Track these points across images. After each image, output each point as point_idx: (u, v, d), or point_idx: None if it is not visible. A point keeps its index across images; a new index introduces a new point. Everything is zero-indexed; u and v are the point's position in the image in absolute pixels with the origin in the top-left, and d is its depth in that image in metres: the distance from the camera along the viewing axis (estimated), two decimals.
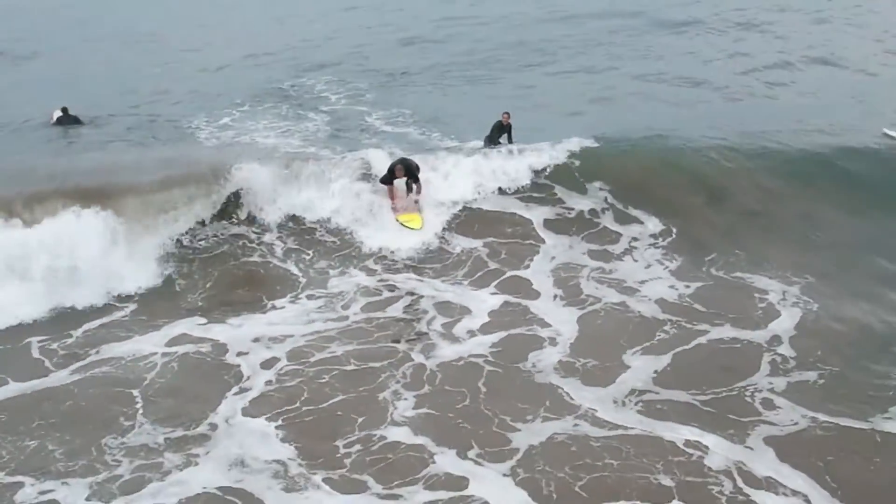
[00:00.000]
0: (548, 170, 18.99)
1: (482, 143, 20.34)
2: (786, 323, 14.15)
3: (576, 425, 11.83)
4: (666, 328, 14.17)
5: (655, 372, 12.91)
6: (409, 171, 16.95)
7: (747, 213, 18.03)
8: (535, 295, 15.45)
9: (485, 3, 43.70)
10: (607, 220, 17.79)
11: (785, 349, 13.46)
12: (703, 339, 13.88)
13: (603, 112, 24.02)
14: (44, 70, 34.59)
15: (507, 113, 20.53)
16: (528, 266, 16.46)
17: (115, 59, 36.07)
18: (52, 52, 38.55)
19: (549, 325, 14.24)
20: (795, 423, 11.70)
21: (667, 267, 16.43)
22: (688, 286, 15.71)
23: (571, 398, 12.44)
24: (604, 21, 37.77)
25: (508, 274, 16.16)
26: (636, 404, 12.24)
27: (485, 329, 14.28)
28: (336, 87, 28.95)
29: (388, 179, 17.05)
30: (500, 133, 20.42)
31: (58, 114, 25.13)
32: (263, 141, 22.53)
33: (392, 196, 17.15)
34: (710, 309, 14.87)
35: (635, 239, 17.33)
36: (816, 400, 12.12)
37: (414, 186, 17.10)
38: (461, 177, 18.15)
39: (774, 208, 18.05)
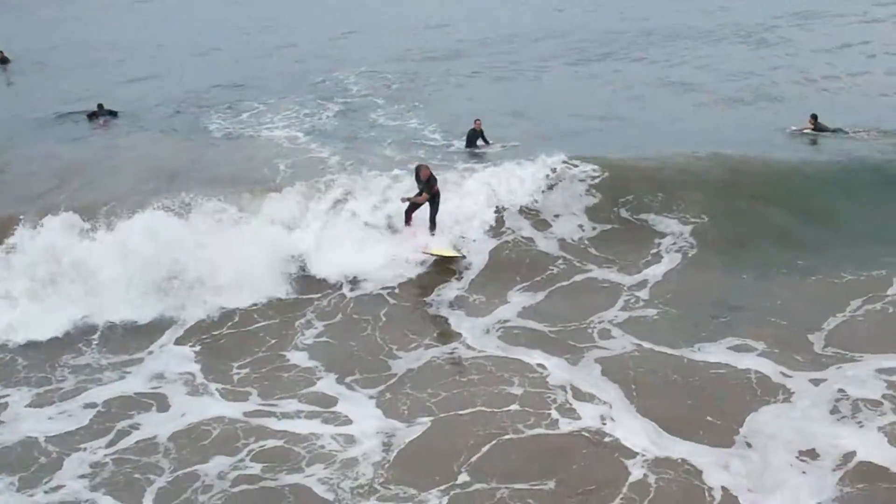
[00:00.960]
0: None
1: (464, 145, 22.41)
2: (661, 268, 15.52)
3: (451, 352, 13.62)
4: (556, 265, 15.71)
5: (524, 307, 14.51)
6: (432, 176, 16.14)
7: (678, 170, 18.98)
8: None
9: None
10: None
11: (643, 291, 14.88)
12: (579, 278, 15.38)
13: None
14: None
15: (479, 120, 22.45)
16: None
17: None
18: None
19: (465, 257, 16.06)
20: (623, 349, 13.23)
21: (584, 204, 17.74)
22: (595, 227, 17.12)
23: (454, 328, 14.19)
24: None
25: None
26: (500, 333, 13.93)
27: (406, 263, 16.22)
28: None
29: (418, 184, 16.44)
30: (475, 138, 22.23)
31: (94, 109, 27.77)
32: None
33: (409, 218, 16.71)
34: (603, 252, 16.35)
35: (564, 178, 18.53)
36: (646, 332, 13.71)
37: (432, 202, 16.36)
38: None
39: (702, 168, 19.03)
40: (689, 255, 16.07)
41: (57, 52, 41.86)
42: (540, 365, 13.13)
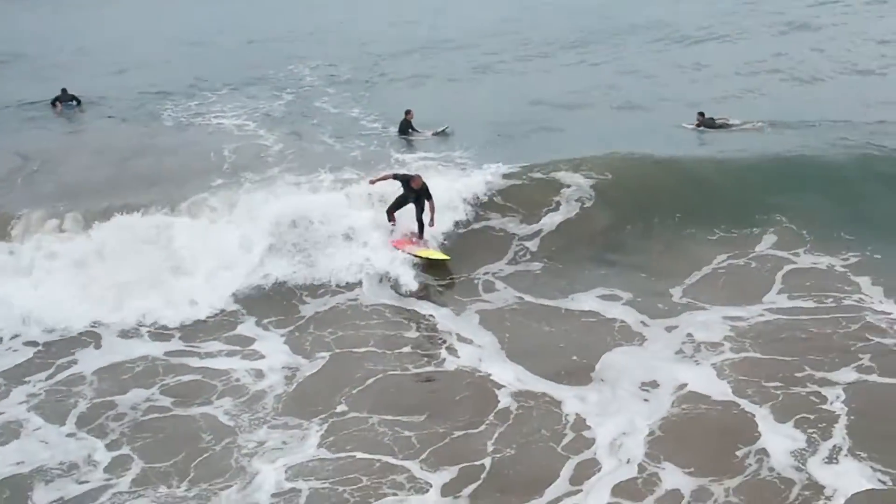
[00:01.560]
0: None
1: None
2: (557, 219, 17.16)
3: (354, 298, 15.19)
4: (462, 216, 17.44)
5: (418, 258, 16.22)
6: (424, 186, 16.22)
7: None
8: None
9: None
10: None
11: (533, 243, 16.51)
12: (478, 227, 17.15)
13: None
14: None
15: (410, 111, 24.32)
16: None
17: None
18: None
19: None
20: (504, 302, 14.88)
21: (498, 160, 19.29)
22: (506, 178, 18.55)
23: (355, 279, 15.95)
24: None
25: None
26: (397, 283, 15.62)
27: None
28: None
29: (400, 180, 16.54)
30: (407, 127, 24.16)
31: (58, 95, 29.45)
32: None
33: (392, 217, 16.79)
34: (508, 202, 17.85)
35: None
36: (528, 285, 15.29)
37: (427, 205, 16.32)
38: None
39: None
40: (586, 205, 17.57)
41: (26, 47, 43.20)
42: (430, 314, 14.68)
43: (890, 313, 13.78)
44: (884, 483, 9.94)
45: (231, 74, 33.22)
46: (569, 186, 17.93)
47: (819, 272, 15.32)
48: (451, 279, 15.81)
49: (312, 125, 25.62)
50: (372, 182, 16.79)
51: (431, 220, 16.09)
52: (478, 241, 16.88)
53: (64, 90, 29.22)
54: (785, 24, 36.28)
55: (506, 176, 18.43)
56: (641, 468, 10.57)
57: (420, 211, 16.15)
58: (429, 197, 16.00)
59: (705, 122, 22.50)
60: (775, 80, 27.66)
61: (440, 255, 15.87)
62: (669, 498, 10.00)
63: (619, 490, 10.22)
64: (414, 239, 16.29)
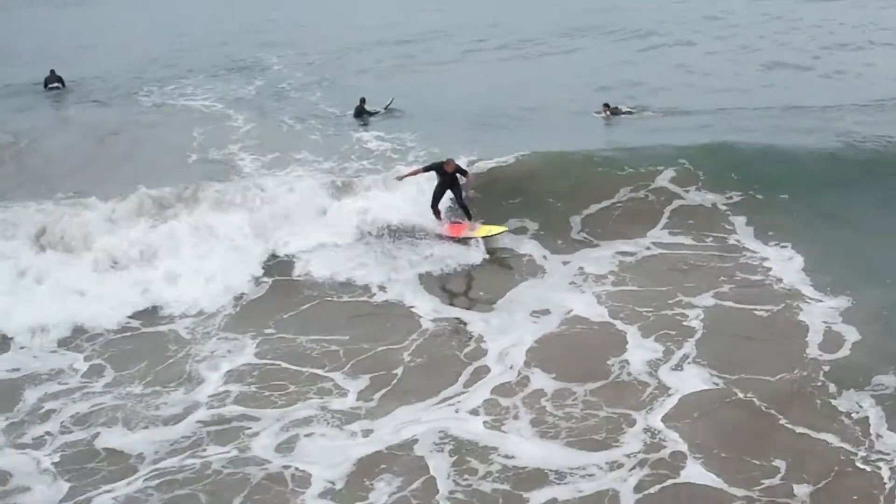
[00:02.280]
0: None
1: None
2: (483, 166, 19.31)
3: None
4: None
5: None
6: (458, 167, 16.41)
7: None
8: None
9: None
10: None
11: None
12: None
13: None
14: None
15: (363, 98, 26.70)
16: None
17: None
18: None
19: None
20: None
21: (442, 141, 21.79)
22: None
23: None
24: None
25: None
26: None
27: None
28: None
29: (430, 169, 16.76)
30: (361, 112, 26.57)
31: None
32: None
33: (437, 212, 16.96)
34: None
35: None
36: None
37: (465, 181, 16.55)
38: None
39: None
40: (510, 162, 19.62)
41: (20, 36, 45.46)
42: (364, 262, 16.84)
43: (757, 252, 15.94)
44: (716, 385, 12.00)
45: (203, 62, 35.35)
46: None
47: (703, 210, 17.59)
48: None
49: (277, 108, 27.72)
50: (399, 178, 17.11)
51: (474, 191, 16.37)
52: None
53: (52, 71, 31.30)
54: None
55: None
56: (519, 373, 12.63)
57: (460, 195, 16.35)
58: (464, 173, 16.23)
59: (613, 111, 25.06)
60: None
61: (499, 229, 16.26)
62: (534, 395, 12.06)
63: (497, 389, 12.25)
64: (465, 223, 16.56)
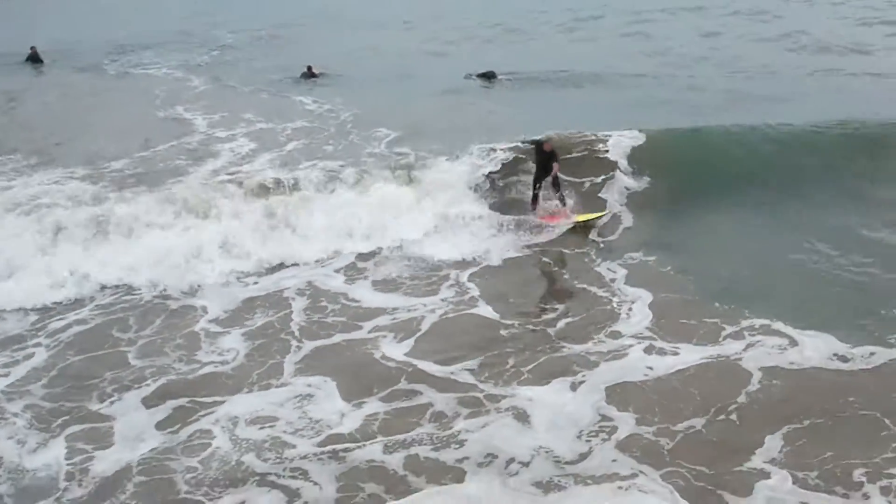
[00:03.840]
0: None
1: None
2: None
3: None
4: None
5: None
6: (553, 150, 15.96)
7: None
8: None
9: None
10: None
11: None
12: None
13: None
14: None
15: (310, 65, 30.92)
16: None
17: None
18: None
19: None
20: None
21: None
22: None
23: None
24: None
25: None
26: None
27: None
28: None
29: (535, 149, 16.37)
30: (309, 76, 30.60)
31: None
32: None
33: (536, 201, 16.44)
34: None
35: None
36: None
37: (554, 166, 15.95)
38: None
39: None
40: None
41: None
42: None
43: None
44: (517, 254, 16.18)
45: (164, 36, 39.38)
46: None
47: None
48: None
49: (229, 72, 31.87)
50: (539, 195, 16.49)
51: (557, 173, 16.02)
52: None
53: (33, 48, 35.22)
54: None
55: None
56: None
57: (556, 180, 15.95)
58: (556, 159, 15.80)
59: (486, 75, 29.36)
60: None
61: (596, 215, 15.97)
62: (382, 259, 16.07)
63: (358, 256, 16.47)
64: (560, 211, 16.17)
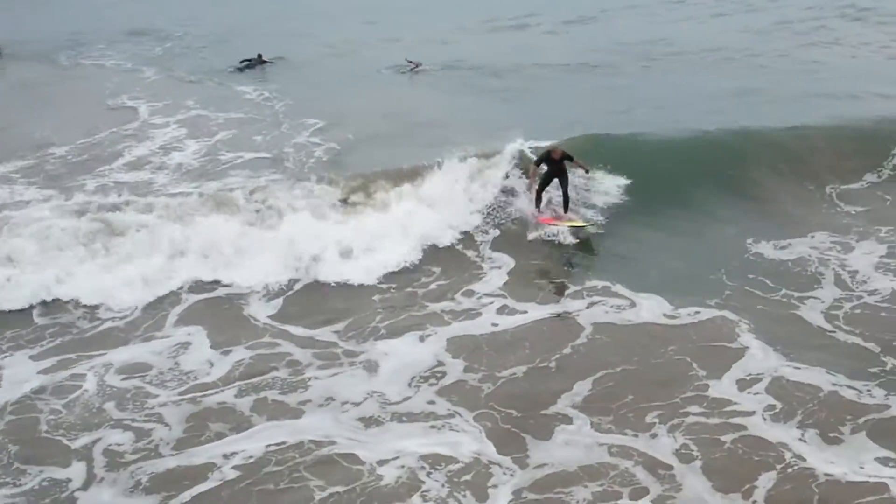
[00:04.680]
0: None
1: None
2: None
3: None
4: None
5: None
6: (564, 153, 15.60)
7: None
8: None
9: None
10: None
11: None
12: None
13: None
14: None
15: (260, 54, 31.85)
16: None
17: None
18: None
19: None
20: None
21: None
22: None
23: None
24: None
25: None
26: None
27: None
28: None
29: (541, 161, 15.82)
30: (257, 63, 31.61)
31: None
32: None
33: (539, 200, 16.10)
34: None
35: None
36: None
37: (573, 165, 15.87)
38: None
39: None
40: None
41: None
42: None
43: None
44: None
45: (114, 30, 40.24)
46: None
47: None
48: None
49: (176, 63, 32.77)
50: (530, 186, 16.31)
51: (586, 169, 16.10)
52: None
53: None
54: None
55: None
56: None
57: (565, 184, 15.73)
58: (571, 159, 15.62)
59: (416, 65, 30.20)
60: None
61: (582, 223, 15.69)
62: None
63: None
64: (560, 212, 15.96)
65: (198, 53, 34.99)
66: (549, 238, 15.56)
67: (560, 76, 27.80)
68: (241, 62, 31.44)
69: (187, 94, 28.07)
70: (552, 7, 40.78)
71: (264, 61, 31.44)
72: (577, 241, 15.39)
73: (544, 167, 15.67)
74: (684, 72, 27.16)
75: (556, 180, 15.74)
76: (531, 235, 15.65)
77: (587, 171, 16.15)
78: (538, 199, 15.98)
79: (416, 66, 29.88)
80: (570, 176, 15.74)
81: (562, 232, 15.51)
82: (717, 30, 33.95)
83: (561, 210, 15.93)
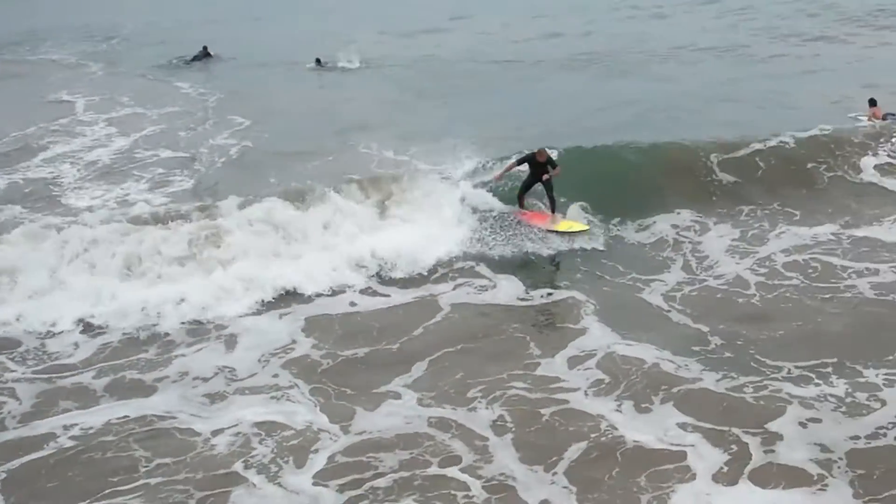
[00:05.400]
0: None
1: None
2: None
3: None
4: None
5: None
6: (549, 158, 15.16)
7: None
8: None
9: None
10: None
11: None
12: None
13: None
14: None
15: (206, 46, 32.56)
16: None
17: None
18: None
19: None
20: None
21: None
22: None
23: None
24: None
25: None
26: None
27: None
28: None
29: (524, 161, 15.40)
30: (203, 56, 32.11)
31: None
32: None
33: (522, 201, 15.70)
34: None
35: None
36: None
37: (554, 172, 15.16)
38: None
39: None
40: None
41: None
42: None
43: None
44: None
45: (63, 26, 40.62)
46: None
47: None
48: None
49: (124, 56, 33.38)
50: (497, 177, 15.85)
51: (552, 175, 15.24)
52: None
53: None
54: None
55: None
56: None
57: (550, 188, 15.27)
58: (554, 166, 15.12)
59: (320, 63, 31.08)
60: None
61: (580, 227, 14.97)
62: None
63: None
64: (547, 214, 15.44)
65: (144, 48, 35.62)
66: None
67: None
68: (191, 57, 32.18)
69: (126, 89, 28.73)
70: None
71: (209, 54, 31.82)
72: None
73: (526, 169, 15.47)
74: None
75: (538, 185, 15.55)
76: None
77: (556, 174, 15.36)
78: (521, 201, 15.72)
79: (325, 64, 30.49)
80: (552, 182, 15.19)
81: (550, 236, 14.87)
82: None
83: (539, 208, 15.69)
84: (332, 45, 32.49)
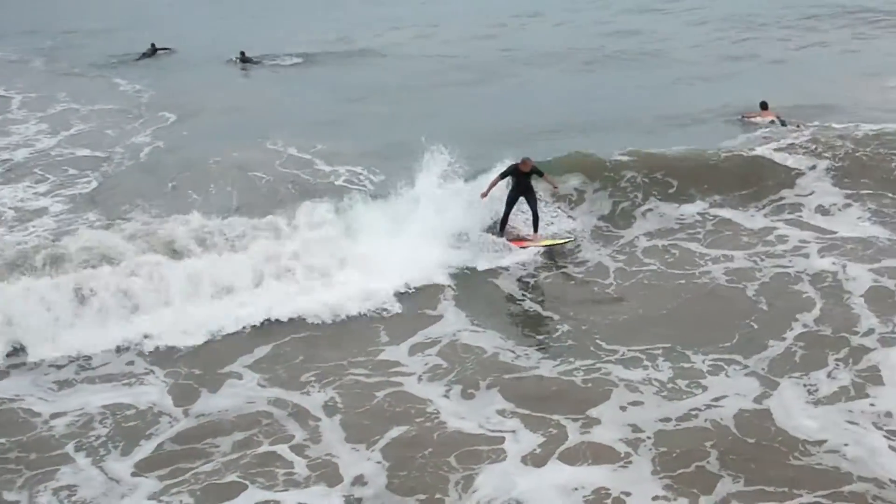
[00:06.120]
0: None
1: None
2: None
3: None
4: None
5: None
6: (534, 167, 14.17)
7: None
8: None
9: None
10: None
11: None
12: None
13: None
14: None
15: (153, 43, 33.00)
16: None
17: None
18: None
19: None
20: None
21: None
22: None
23: None
24: None
25: None
26: None
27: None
28: None
29: (507, 174, 14.26)
30: (153, 52, 32.79)
31: None
32: None
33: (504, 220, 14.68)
34: None
35: None
36: None
37: (544, 180, 14.56)
38: None
39: None
40: None
41: None
42: None
43: None
44: None
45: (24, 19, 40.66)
46: None
47: None
48: None
49: (75, 55, 33.82)
50: (484, 195, 14.31)
51: (555, 185, 14.90)
52: None
53: None
54: None
55: None
56: None
57: (533, 202, 14.33)
58: (541, 174, 14.26)
59: (244, 59, 31.29)
60: None
61: (562, 241, 14.50)
62: None
63: None
64: (529, 236, 14.60)
65: (91, 46, 35.46)
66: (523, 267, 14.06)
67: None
68: (139, 55, 32.62)
69: (64, 86, 28.94)
70: None
71: (157, 50, 32.08)
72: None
73: (508, 185, 14.37)
74: None
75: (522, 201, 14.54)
76: (506, 261, 14.05)
77: (556, 188, 14.96)
78: (504, 221, 14.52)
79: (251, 61, 30.84)
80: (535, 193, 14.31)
81: (539, 252, 14.21)
82: None
83: (527, 230, 14.66)
84: (283, 40, 33.04)
